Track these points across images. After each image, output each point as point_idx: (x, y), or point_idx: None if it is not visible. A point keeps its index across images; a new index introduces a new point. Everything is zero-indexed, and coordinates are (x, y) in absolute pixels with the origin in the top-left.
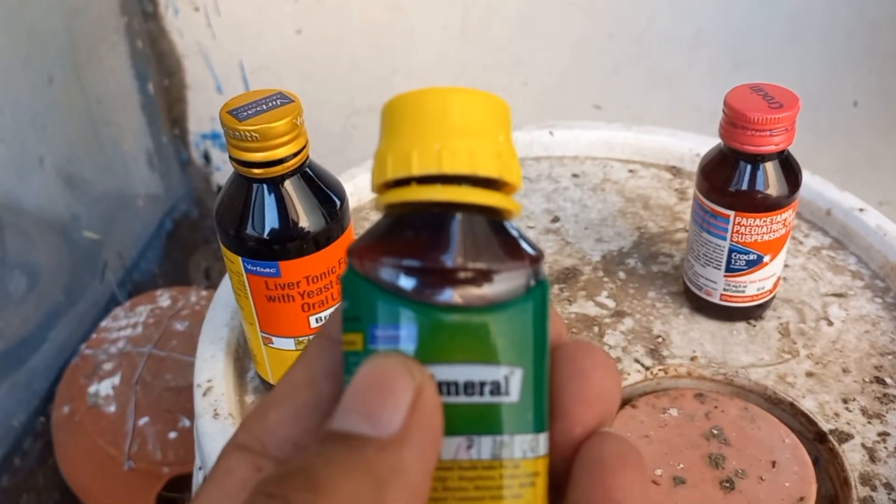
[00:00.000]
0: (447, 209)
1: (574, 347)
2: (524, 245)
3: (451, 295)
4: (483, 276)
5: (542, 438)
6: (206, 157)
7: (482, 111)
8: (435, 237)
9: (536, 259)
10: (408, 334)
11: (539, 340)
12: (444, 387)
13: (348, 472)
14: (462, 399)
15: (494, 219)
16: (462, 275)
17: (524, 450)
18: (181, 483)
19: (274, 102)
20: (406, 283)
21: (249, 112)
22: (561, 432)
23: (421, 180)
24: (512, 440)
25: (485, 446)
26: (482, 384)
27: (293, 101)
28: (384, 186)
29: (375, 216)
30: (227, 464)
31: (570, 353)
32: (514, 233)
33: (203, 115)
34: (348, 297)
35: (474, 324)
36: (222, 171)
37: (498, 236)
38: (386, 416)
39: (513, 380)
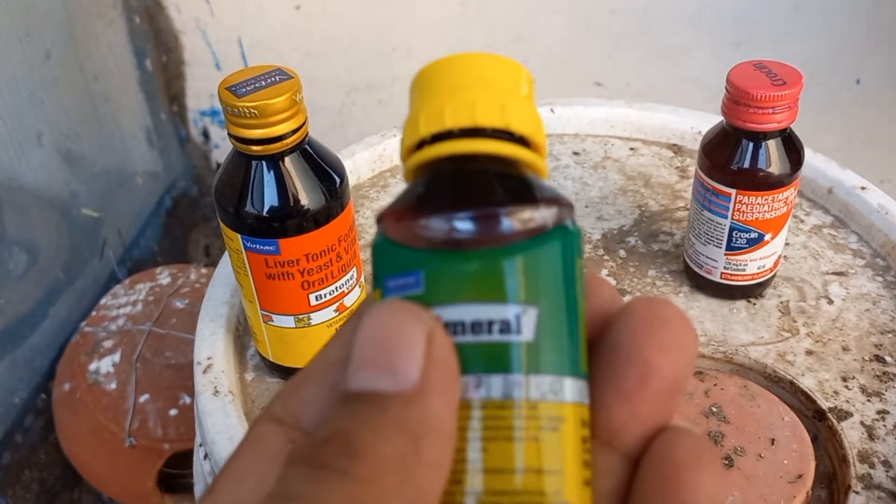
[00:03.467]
0: (459, 162)
1: (648, 300)
2: (541, 191)
3: (459, 235)
4: (491, 218)
5: (570, 383)
6: (205, 134)
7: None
8: (448, 187)
9: (553, 202)
10: (415, 280)
11: (560, 282)
12: (451, 327)
13: (382, 433)
14: (469, 338)
15: (511, 170)
16: (468, 216)
17: (543, 391)
18: (182, 459)
19: (273, 79)
20: (416, 231)
21: (248, 88)
22: (637, 382)
23: (437, 137)
24: (527, 380)
25: (495, 385)
26: (490, 323)
27: (292, 78)
28: (410, 152)
29: (375, 193)
30: (260, 430)
31: (645, 304)
32: (535, 182)
33: (202, 91)
34: (372, 259)
35: (481, 264)
36: (221, 149)
37: (512, 182)
38: (402, 367)
39: (525, 319)
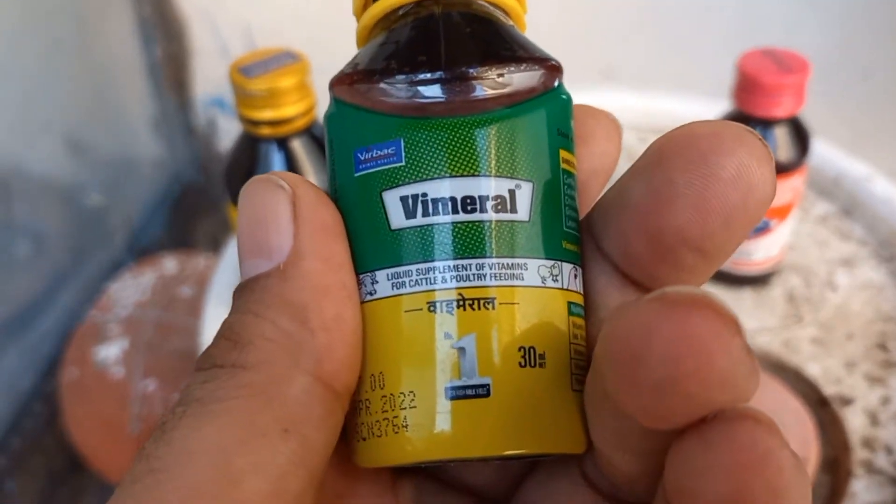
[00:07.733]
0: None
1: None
2: (525, 49)
3: (428, 100)
4: (465, 80)
5: (555, 266)
6: (213, 123)
7: None
8: (422, 40)
9: (539, 63)
10: (395, 150)
11: (546, 158)
12: (435, 204)
13: (265, 314)
14: (451, 218)
15: (492, 23)
16: (439, 78)
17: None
18: None
19: (283, 60)
20: (386, 96)
21: (258, 70)
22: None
23: None
24: (504, 262)
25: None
26: (470, 200)
27: (302, 60)
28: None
29: None
30: None
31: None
32: (519, 38)
33: (209, 80)
34: (326, 132)
35: (457, 133)
36: (229, 137)
37: (493, 38)
38: (274, 243)
39: (516, 195)
